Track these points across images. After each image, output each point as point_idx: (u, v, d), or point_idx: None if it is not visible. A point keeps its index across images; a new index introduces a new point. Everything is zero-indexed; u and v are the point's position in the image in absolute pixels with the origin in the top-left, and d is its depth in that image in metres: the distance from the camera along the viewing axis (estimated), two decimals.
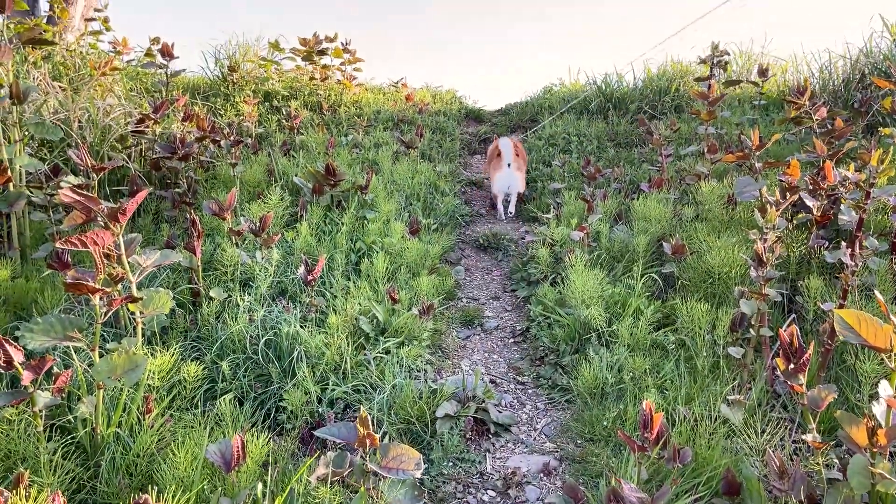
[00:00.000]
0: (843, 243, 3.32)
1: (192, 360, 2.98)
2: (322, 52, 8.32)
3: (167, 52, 5.75)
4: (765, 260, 2.95)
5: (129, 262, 2.77)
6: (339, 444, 2.34)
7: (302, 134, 6.78)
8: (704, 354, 3.10)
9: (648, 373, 3.04)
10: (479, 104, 9.94)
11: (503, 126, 8.70)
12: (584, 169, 5.61)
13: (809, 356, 2.20)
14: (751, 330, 3.05)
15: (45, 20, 8.05)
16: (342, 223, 4.32)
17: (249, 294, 3.40)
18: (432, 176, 5.87)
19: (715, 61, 5.77)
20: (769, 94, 7.38)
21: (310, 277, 3.30)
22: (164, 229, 4.33)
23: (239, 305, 3.24)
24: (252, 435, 2.31)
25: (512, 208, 6.07)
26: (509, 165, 5.80)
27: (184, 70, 6.12)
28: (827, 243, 3.68)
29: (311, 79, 8.48)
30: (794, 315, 3.25)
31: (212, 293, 3.34)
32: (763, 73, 5.60)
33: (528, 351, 3.64)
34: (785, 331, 2.26)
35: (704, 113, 4.95)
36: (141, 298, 2.58)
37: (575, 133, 7.34)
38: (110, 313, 2.44)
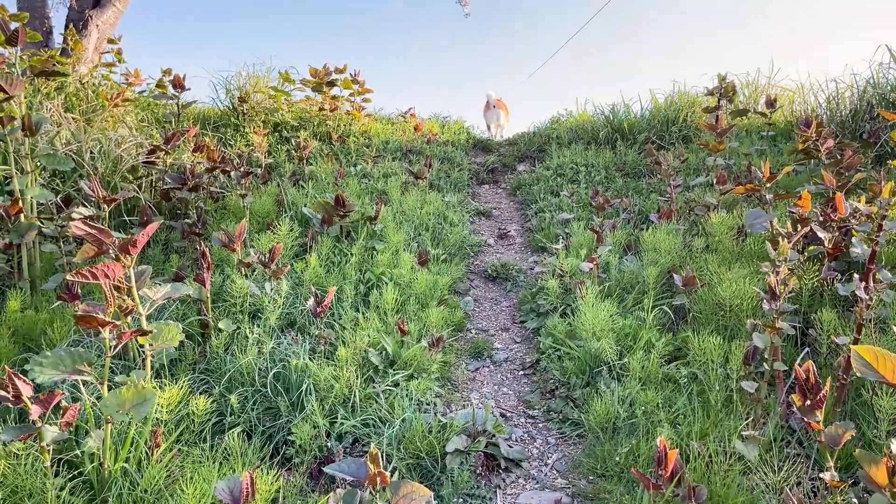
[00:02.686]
0: (856, 275, 3.30)
1: (200, 393, 2.97)
2: (332, 83, 8.42)
3: (178, 84, 5.83)
4: (778, 293, 2.92)
5: (139, 295, 2.78)
6: (349, 480, 2.31)
7: (311, 164, 6.83)
8: (717, 388, 3.06)
9: (661, 407, 3.00)
10: (488, 134, 10.01)
11: (511, 156, 8.74)
12: (593, 199, 5.62)
13: (826, 393, 2.17)
14: (764, 364, 3.02)
15: (59, 52, 8.19)
16: (351, 254, 4.33)
17: (258, 326, 3.40)
18: (441, 206, 5.89)
19: (722, 93, 5.80)
20: (777, 124, 7.40)
21: (319, 309, 3.29)
22: (174, 260, 4.35)
23: (248, 337, 3.23)
24: (261, 471, 2.28)
25: (499, 136, 10.03)
26: (494, 107, 9.85)
27: (195, 101, 6.20)
28: (839, 275, 3.65)
29: (321, 109, 8.57)
30: (807, 349, 3.22)
31: (221, 325, 3.34)
32: (771, 104, 5.62)
33: (539, 384, 3.61)
34: (800, 366, 2.23)
35: (713, 143, 4.96)
36: (150, 332, 2.57)
37: (583, 163, 7.37)
38: (119, 347, 2.43)
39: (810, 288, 3.62)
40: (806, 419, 2.19)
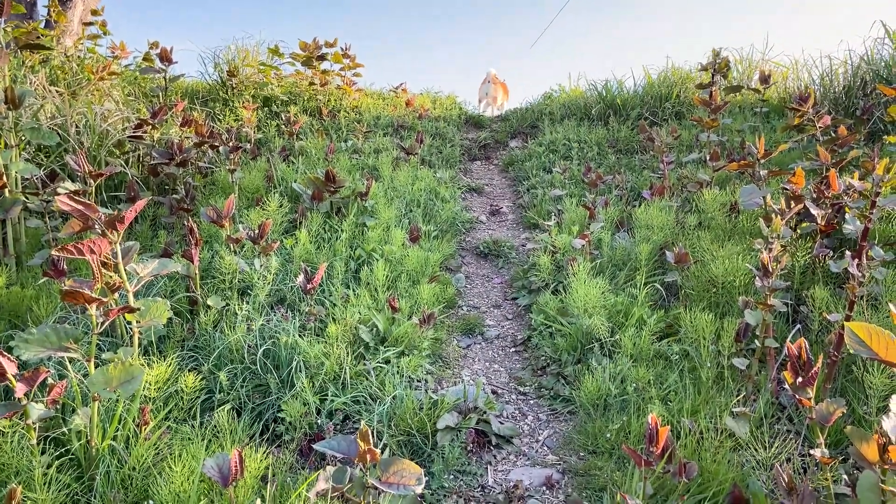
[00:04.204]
0: (848, 252, 3.29)
1: (189, 371, 2.94)
2: (322, 58, 8.30)
3: (166, 58, 5.72)
4: (770, 270, 2.91)
5: (126, 271, 2.74)
6: (339, 458, 2.29)
7: (301, 139, 6.75)
8: (709, 365, 3.06)
9: (652, 384, 3.00)
10: (479, 109, 9.93)
11: (503, 132, 8.67)
12: (586, 176, 5.59)
13: (818, 370, 2.16)
14: (756, 341, 3.02)
15: (42, 24, 8.02)
16: (342, 230, 4.28)
17: (248, 303, 3.36)
18: (432, 182, 5.84)
19: (716, 69, 5.75)
20: (770, 100, 7.36)
21: (309, 286, 3.26)
22: (162, 236, 4.29)
23: (237, 314, 3.20)
24: (251, 449, 2.26)
25: (491, 112, 9.99)
26: (489, 82, 9.79)
27: (182, 75, 6.08)
28: (831, 252, 3.65)
29: (311, 84, 8.46)
30: (799, 326, 3.21)
31: (209, 301, 3.30)
32: (765, 80, 5.58)
33: (530, 360, 3.60)
34: (792, 343, 2.22)
35: (708, 120, 4.92)
36: (138, 309, 2.53)
37: (575, 139, 7.31)
38: (107, 323, 2.40)
39: (802, 265, 3.61)
40: (797, 396, 2.19)
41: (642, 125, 6.02)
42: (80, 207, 2.61)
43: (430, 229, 4.89)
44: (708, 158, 4.80)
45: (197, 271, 3.30)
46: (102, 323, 2.38)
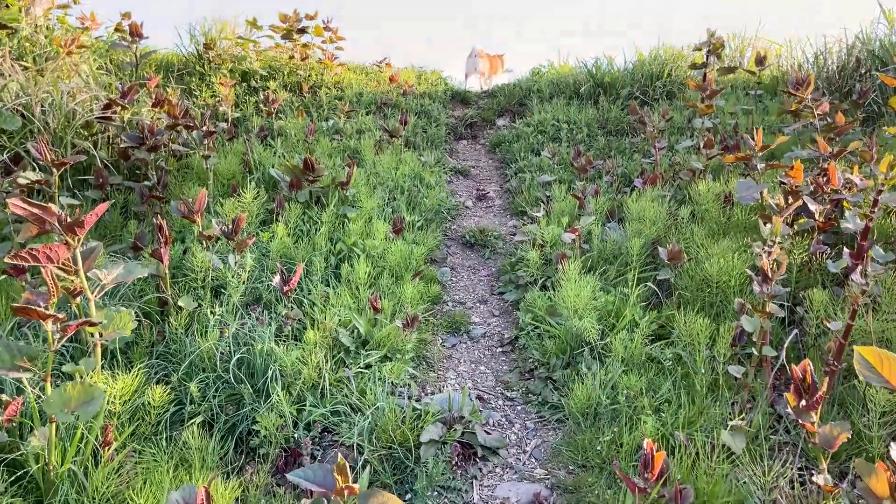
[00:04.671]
0: (846, 251, 3.17)
1: (158, 381, 2.78)
2: (302, 31, 7.99)
3: (136, 32, 5.44)
4: (770, 276, 2.78)
5: (88, 277, 2.55)
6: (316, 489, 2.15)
7: (281, 118, 6.50)
8: (703, 372, 2.94)
9: (644, 392, 2.88)
10: (465, 85, 9.68)
11: (490, 109, 8.44)
12: (575, 160, 5.42)
13: (822, 394, 2.04)
14: (752, 349, 2.90)
15: None
16: (321, 222, 4.09)
17: (221, 304, 3.19)
18: (417, 167, 5.64)
19: (710, 49, 5.55)
20: (763, 80, 7.19)
21: (286, 288, 3.09)
22: (132, 226, 4.08)
23: (210, 318, 3.03)
24: (221, 477, 2.12)
25: (476, 86, 9.71)
26: (475, 56, 9.49)
27: (154, 51, 5.80)
28: (828, 249, 3.53)
29: (291, 58, 8.16)
30: (796, 330, 3.10)
31: (181, 302, 3.12)
32: (760, 61, 5.39)
33: (517, 362, 3.47)
34: (789, 349, 2.10)
35: (702, 106, 4.75)
36: (100, 322, 2.36)
37: (565, 120, 7.11)
38: (64, 339, 2.22)
39: (799, 263, 3.49)
40: (801, 421, 2.07)
41: (633, 106, 5.84)
42: (35, 211, 2.41)
43: (415, 220, 4.71)
44: (702, 146, 4.65)
45: (167, 271, 3.12)
46: (60, 339, 2.21)
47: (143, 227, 4.08)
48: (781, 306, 3.36)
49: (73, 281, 2.57)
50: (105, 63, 6.65)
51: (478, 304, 4.17)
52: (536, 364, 3.34)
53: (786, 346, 2.90)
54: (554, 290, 3.69)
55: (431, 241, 4.54)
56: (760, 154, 3.67)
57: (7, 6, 6.69)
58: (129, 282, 3.10)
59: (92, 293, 2.53)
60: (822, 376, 2.85)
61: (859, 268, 2.77)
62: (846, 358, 2.93)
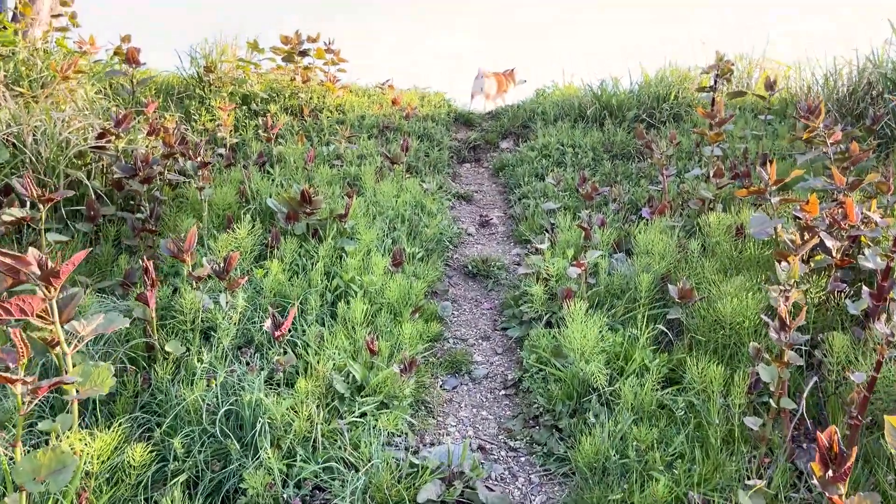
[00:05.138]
0: (866, 289, 3.01)
1: (140, 436, 2.63)
2: (304, 53, 7.92)
3: (132, 59, 5.34)
4: (788, 324, 2.62)
5: (65, 329, 2.41)
6: None
7: (281, 143, 6.39)
8: (717, 423, 2.77)
9: (655, 445, 2.71)
10: (470, 106, 9.58)
11: (494, 132, 8.32)
12: (580, 187, 5.28)
13: (851, 465, 1.88)
14: (769, 398, 2.74)
15: (9, 17, 7.58)
16: (318, 256, 3.95)
17: (211, 349, 3.04)
18: (419, 193, 5.50)
19: (719, 73, 5.43)
20: (772, 101, 7.05)
21: (277, 333, 2.94)
22: (123, 261, 3.95)
23: (198, 365, 2.88)
24: None
25: (481, 107, 9.58)
26: (481, 77, 9.45)
27: (152, 77, 5.70)
28: (846, 286, 3.36)
29: (292, 80, 8.07)
30: (815, 377, 2.93)
31: (168, 347, 2.98)
32: (770, 86, 5.26)
33: (521, 407, 3.31)
34: (809, 398, 1.94)
35: (712, 134, 4.61)
36: (74, 381, 2.21)
37: (569, 143, 6.98)
38: (35, 402, 2.08)
39: (816, 302, 3.33)
40: (827, 493, 1.91)
41: (639, 130, 5.70)
42: (7, 261, 2.28)
43: (415, 251, 4.57)
44: (711, 175, 4.50)
45: (153, 315, 2.98)
46: (30, 402, 2.07)
47: (134, 263, 3.95)
48: (799, 351, 3.20)
49: (51, 330, 2.44)
50: (104, 87, 6.56)
51: (480, 341, 4.01)
52: (541, 410, 3.18)
53: (805, 394, 2.74)
54: (559, 327, 3.53)
55: (432, 274, 4.39)
56: (774, 188, 3.52)
57: (3, 27, 6.63)
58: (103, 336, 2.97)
59: (70, 346, 2.39)
60: (843, 428, 2.68)
61: (883, 316, 2.61)
62: (870, 411, 2.77)
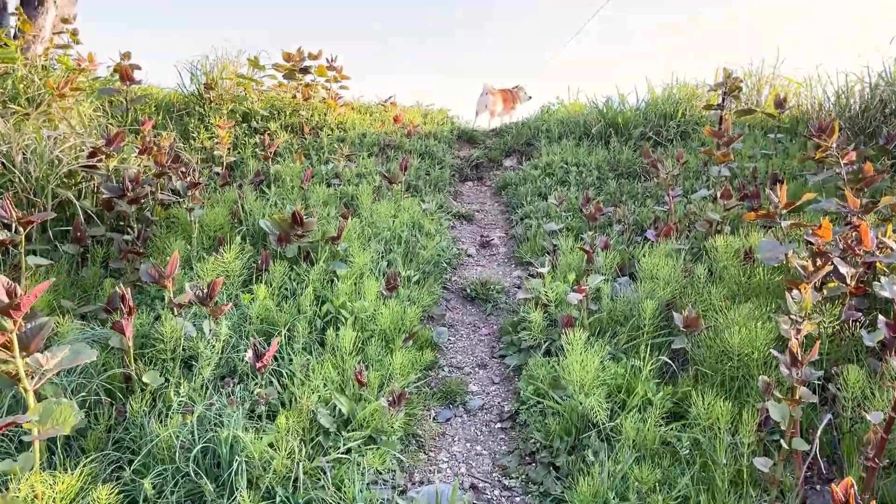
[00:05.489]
0: (882, 319, 2.84)
1: (110, 476, 2.49)
2: (305, 70, 7.83)
3: (127, 77, 5.26)
4: (800, 359, 2.45)
5: (27, 363, 2.28)
6: None
7: (279, 162, 6.28)
8: (724, 462, 2.60)
9: (658, 488, 2.54)
10: (475, 122, 9.47)
11: (497, 149, 8.19)
12: (584, 207, 5.13)
13: None
14: (780, 437, 2.56)
15: (8, 33, 7.54)
16: (309, 280, 3.81)
17: (190, 380, 2.90)
18: (417, 214, 5.36)
19: (727, 90, 5.28)
20: (782, 119, 6.89)
21: (259, 364, 2.80)
22: (108, 284, 3.82)
23: (174, 398, 2.74)
24: None
25: (486, 124, 9.58)
26: (486, 94, 9.35)
27: (148, 94, 5.61)
28: (861, 315, 3.18)
29: (293, 97, 7.98)
30: (829, 414, 2.75)
31: (146, 378, 2.84)
32: (780, 104, 5.11)
33: (518, 442, 3.14)
34: (822, 437, 1.77)
35: (719, 155, 4.45)
36: (33, 418, 2.07)
37: (574, 162, 6.83)
38: None
39: (829, 332, 3.15)
40: None
41: (645, 149, 5.55)
42: None
43: (411, 274, 4.41)
44: (719, 196, 4.34)
45: (130, 344, 2.84)
46: None
47: (119, 286, 3.82)
48: (812, 386, 3.03)
49: (14, 363, 2.30)
50: (103, 104, 6.49)
51: (476, 369, 3.84)
52: (538, 446, 3.01)
53: (818, 433, 2.57)
54: (559, 357, 3.37)
55: (428, 299, 4.23)
56: (785, 211, 3.36)
57: (4, 45, 6.58)
58: (93, 341, 2.85)
59: (33, 381, 2.25)
60: (860, 470, 2.51)
61: None
62: (888, 451, 2.59)
